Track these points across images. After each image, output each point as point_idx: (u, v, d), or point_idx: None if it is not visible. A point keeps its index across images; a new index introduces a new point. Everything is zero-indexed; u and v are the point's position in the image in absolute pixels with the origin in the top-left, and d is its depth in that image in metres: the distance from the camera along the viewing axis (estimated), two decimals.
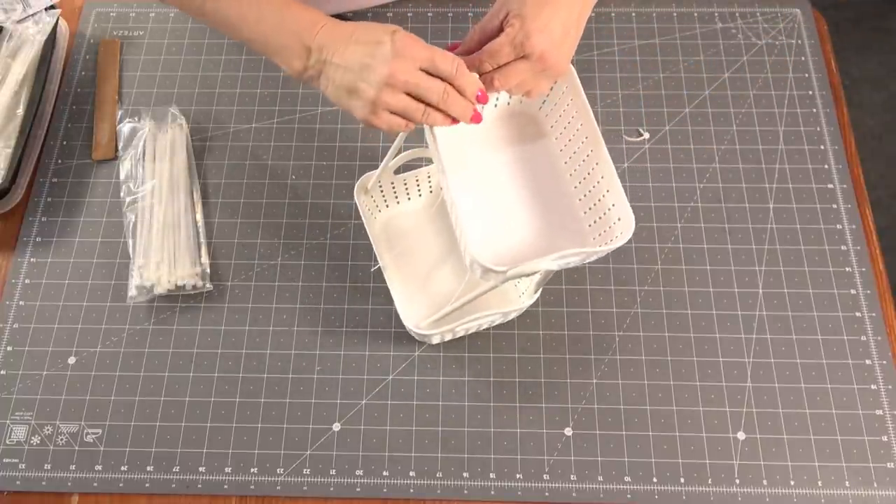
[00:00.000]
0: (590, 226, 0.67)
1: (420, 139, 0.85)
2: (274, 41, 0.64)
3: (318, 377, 0.76)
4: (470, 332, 0.75)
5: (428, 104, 0.60)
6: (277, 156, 0.87)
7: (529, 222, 0.68)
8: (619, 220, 0.63)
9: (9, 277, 0.81)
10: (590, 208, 0.67)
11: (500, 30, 0.62)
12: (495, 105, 0.72)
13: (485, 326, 0.76)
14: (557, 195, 0.69)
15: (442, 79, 0.60)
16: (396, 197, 0.80)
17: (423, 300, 0.77)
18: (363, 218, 0.76)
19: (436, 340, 0.75)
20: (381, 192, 0.79)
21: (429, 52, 0.59)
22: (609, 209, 0.64)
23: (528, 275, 0.62)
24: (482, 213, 0.68)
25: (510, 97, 0.71)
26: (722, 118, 0.88)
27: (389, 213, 0.81)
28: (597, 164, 0.65)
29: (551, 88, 0.69)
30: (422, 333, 0.71)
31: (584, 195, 0.67)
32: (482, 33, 0.63)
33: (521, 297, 0.76)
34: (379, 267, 0.76)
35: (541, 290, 0.71)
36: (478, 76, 0.61)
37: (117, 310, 0.79)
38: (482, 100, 0.61)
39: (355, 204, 0.77)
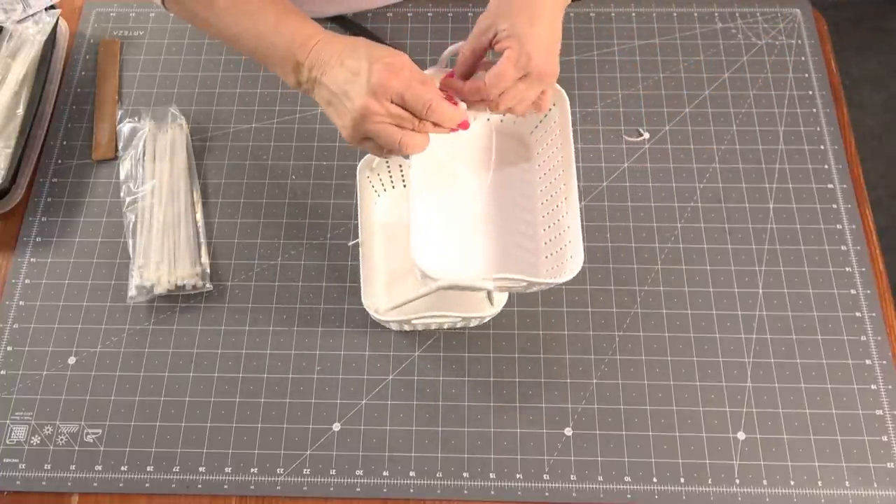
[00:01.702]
0: (547, 257, 0.68)
1: None
2: (271, 56, 0.65)
3: (318, 377, 0.76)
4: (430, 327, 0.76)
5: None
6: (277, 156, 0.87)
7: (490, 240, 0.69)
8: (571, 257, 0.63)
9: (9, 277, 0.81)
10: (551, 239, 0.67)
11: (489, 48, 0.62)
12: (488, 119, 0.73)
13: (446, 326, 0.76)
14: (524, 221, 0.70)
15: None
16: (404, 180, 0.80)
17: (391, 288, 0.77)
18: (359, 193, 0.76)
19: (394, 328, 0.76)
20: (389, 171, 0.78)
21: (401, 88, 0.58)
22: (566, 244, 0.65)
23: (464, 289, 0.62)
24: (447, 222, 0.69)
25: (503, 116, 0.72)
26: (722, 118, 0.88)
27: (388, 195, 0.81)
28: (565, 198, 0.66)
29: (545, 115, 0.70)
30: (379, 319, 0.72)
31: (550, 226, 0.68)
32: (473, 55, 0.64)
33: (488, 305, 0.76)
34: (357, 242, 0.75)
35: (503, 301, 0.72)
36: (461, 108, 0.61)
37: (117, 310, 0.79)
38: (463, 126, 0.61)
39: (355, 204, 0.77)
